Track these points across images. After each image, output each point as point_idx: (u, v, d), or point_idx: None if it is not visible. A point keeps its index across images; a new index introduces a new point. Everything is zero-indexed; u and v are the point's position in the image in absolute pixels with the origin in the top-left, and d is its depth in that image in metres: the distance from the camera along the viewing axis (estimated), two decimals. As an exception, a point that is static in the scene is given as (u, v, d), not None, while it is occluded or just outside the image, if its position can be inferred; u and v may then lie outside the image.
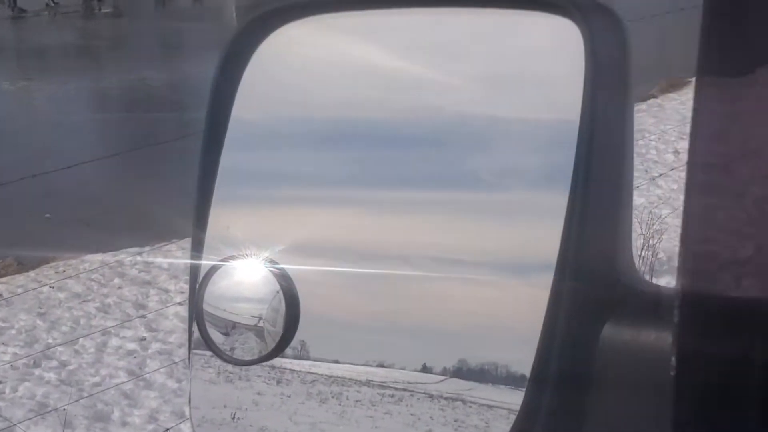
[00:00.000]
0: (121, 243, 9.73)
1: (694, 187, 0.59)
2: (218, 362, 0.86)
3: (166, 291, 8.68)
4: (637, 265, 0.78)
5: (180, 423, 6.26)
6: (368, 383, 0.78)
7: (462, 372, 0.73)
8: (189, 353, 0.87)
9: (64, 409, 6.23)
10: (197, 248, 0.85)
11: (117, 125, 15.88)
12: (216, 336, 0.82)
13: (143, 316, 8.08)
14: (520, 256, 0.72)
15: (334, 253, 0.81)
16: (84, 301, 8.51)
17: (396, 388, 0.77)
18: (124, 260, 9.48)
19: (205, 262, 0.84)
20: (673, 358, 0.59)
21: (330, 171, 0.82)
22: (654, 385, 0.64)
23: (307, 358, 0.81)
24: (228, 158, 0.85)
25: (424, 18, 0.82)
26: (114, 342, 7.64)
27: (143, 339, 7.64)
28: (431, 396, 0.75)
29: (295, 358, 0.82)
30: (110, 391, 6.72)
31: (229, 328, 0.81)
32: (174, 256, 9.44)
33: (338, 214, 0.81)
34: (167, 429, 6.18)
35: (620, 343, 0.68)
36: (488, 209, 0.74)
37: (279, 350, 0.80)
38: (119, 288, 8.90)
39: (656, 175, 9.86)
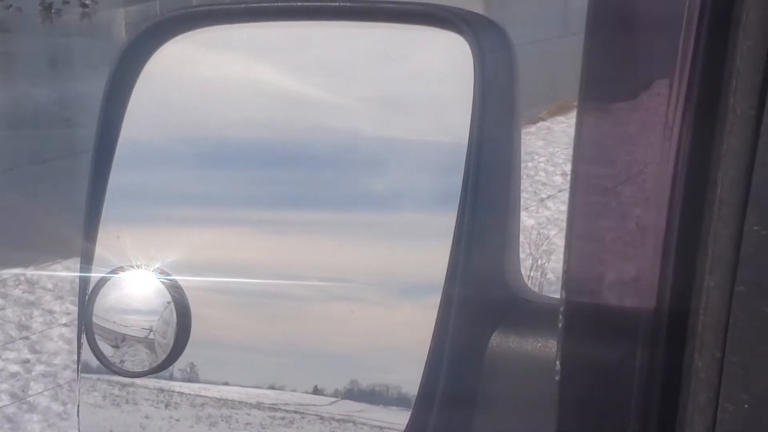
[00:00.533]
0: (3, 262, 9.47)
1: (578, 209, 0.61)
2: (105, 386, 0.84)
3: (51, 312, 8.47)
4: (525, 279, 0.80)
5: (65, 447, 6.11)
6: (259, 406, 0.77)
7: (353, 393, 0.73)
8: (78, 372, 0.86)
9: (-57, 434, 6.01)
10: (86, 260, 0.84)
11: (2, 142, 15.46)
12: (106, 349, 0.81)
13: (27, 338, 7.87)
14: (410, 277, 0.72)
15: (223, 271, 0.80)
16: (-35, 323, 8.25)
17: (287, 411, 0.76)
18: (7, 280, 9.22)
19: (95, 275, 0.82)
20: (558, 363, 0.60)
21: (220, 190, 0.82)
22: (540, 391, 0.65)
23: (197, 381, 0.80)
24: (117, 175, 0.84)
25: (314, 32, 0.82)
26: (-4, 364, 7.42)
27: (27, 361, 7.44)
28: (322, 418, 0.74)
29: (184, 380, 0.80)
30: (-9, 415, 6.52)
31: (119, 340, 0.80)
32: (58, 277, 9.22)
33: (229, 233, 0.81)
34: (51, 453, 6.02)
35: (508, 351, 0.69)
36: (379, 230, 0.74)
37: (169, 362, 0.79)
38: (2, 309, 8.66)
39: (545, 196, 10.05)
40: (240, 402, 0.78)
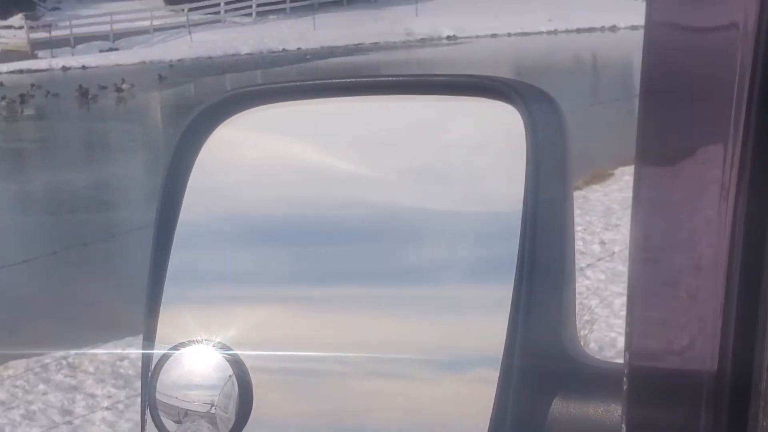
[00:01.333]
0: (45, 347, 9.52)
1: (636, 274, 0.61)
2: None
3: (93, 396, 8.49)
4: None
5: None
6: None
7: None
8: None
9: None
10: (149, 337, 0.85)
11: (42, 227, 15.66)
12: (169, 425, 0.82)
13: (69, 423, 7.88)
14: (454, 350, 0.72)
15: (274, 348, 0.81)
16: (8, 409, 8.27)
17: None
18: (48, 365, 9.27)
19: (157, 351, 0.84)
20: (624, 427, 0.61)
21: (268, 269, 0.83)
22: None
23: None
24: (177, 255, 0.86)
25: (364, 106, 0.83)
26: (40, 450, 7.42)
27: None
28: None
29: None
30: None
31: (182, 415, 0.81)
32: (100, 360, 9.25)
33: (276, 311, 0.82)
34: None
35: (569, 417, 0.69)
36: (429, 304, 0.74)
37: None
38: (44, 394, 8.69)
39: (584, 265, 9.99)
40: None
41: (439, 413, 0.71)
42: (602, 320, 7.72)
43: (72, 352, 9.46)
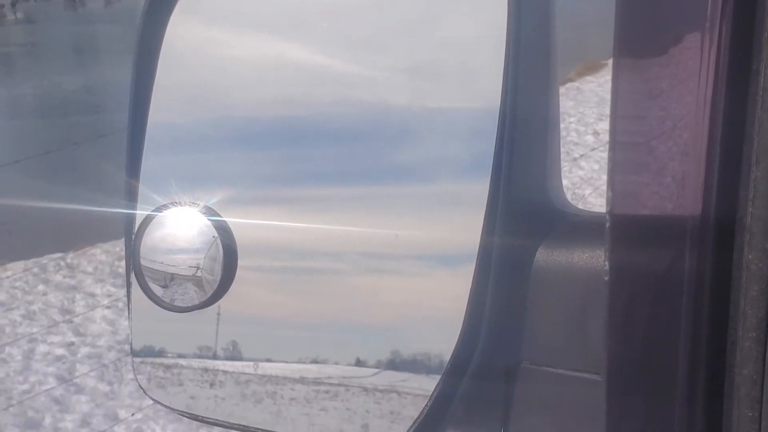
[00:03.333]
0: (43, 249, 9.57)
1: (617, 166, 0.61)
2: (149, 368, 0.86)
3: (92, 295, 8.56)
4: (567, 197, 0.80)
5: (114, 425, 6.19)
6: (302, 380, 0.78)
7: (395, 364, 0.73)
8: (129, 314, 0.87)
9: (-6, 418, 6.11)
10: (131, 198, 0.84)
11: (33, 130, 15.60)
12: (156, 289, 0.82)
13: (70, 321, 7.96)
14: (447, 245, 0.72)
15: (260, 249, 0.81)
16: (8, 310, 8.35)
17: (331, 384, 0.77)
18: (47, 266, 9.33)
19: (139, 212, 0.83)
20: (606, 264, 0.61)
21: (255, 170, 0.82)
22: (588, 302, 0.66)
23: (240, 359, 0.81)
24: (156, 120, 0.84)
25: (347, 3, 0.81)
26: (41, 348, 7.51)
27: (71, 344, 7.53)
28: (366, 389, 0.75)
29: (228, 359, 0.81)
30: (40, 398, 6.61)
31: (168, 280, 0.81)
32: (99, 260, 9.31)
33: (265, 213, 0.81)
34: (100, 432, 6.10)
35: (555, 265, 0.69)
36: (415, 201, 0.74)
37: (216, 297, 0.80)
38: (44, 294, 8.76)
39: (577, 156, 10.00)
40: (284, 378, 0.79)
41: (434, 308, 0.71)
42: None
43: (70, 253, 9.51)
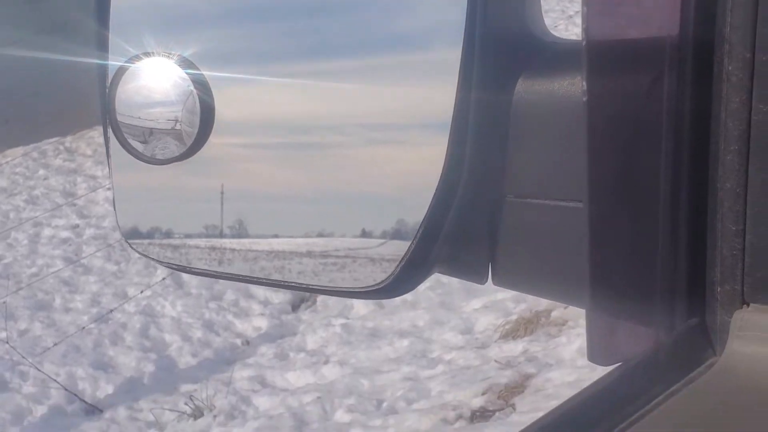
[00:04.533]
0: (41, 134, 9.54)
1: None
2: (157, 249, 0.85)
3: (94, 177, 8.58)
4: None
5: (124, 303, 6.28)
6: (310, 254, 0.78)
7: (401, 233, 0.72)
8: (110, 171, 0.86)
9: (4, 302, 6.20)
10: (102, 48, 0.82)
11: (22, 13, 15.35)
12: (136, 145, 0.81)
13: (73, 204, 8.00)
14: (448, 112, 0.70)
15: (266, 130, 0.79)
16: (11, 195, 8.38)
17: (338, 256, 0.76)
18: (47, 151, 9.32)
19: (112, 63, 0.81)
20: (584, 84, 0.60)
21: (243, 47, 0.80)
22: (568, 130, 0.65)
23: (247, 236, 0.80)
24: None
25: None
26: (47, 232, 7.57)
27: (76, 226, 7.59)
28: (373, 260, 0.75)
29: (235, 237, 0.81)
30: (49, 280, 6.69)
31: (147, 135, 0.80)
32: (98, 143, 9.29)
33: (257, 90, 0.79)
34: (110, 310, 6.20)
35: (535, 95, 0.68)
36: (424, 69, 0.72)
37: (196, 148, 0.78)
38: (45, 179, 8.78)
39: (572, 13, 9.87)
40: (291, 252, 0.78)
41: (435, 173, 0.70)
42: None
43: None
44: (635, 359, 0.58)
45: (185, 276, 6.61)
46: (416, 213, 0.70)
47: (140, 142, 0.80)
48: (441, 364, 4.75)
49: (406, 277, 0.71)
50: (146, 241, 0.85)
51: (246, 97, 0.78)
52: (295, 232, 0.79)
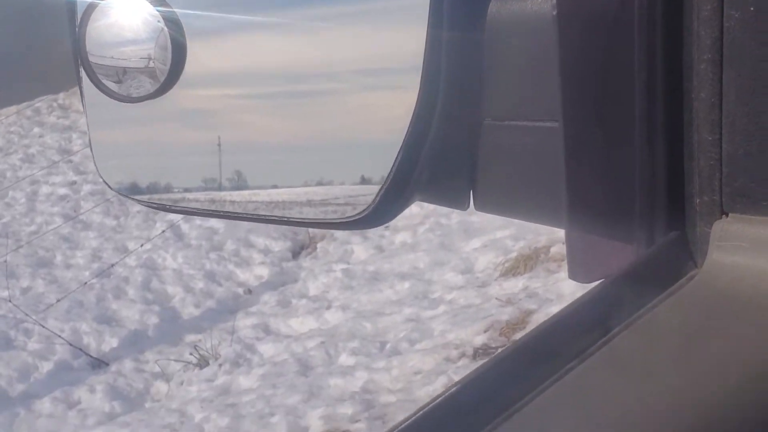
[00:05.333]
0: (34, 93, 9.49)
1: None
2: (156, 203, 0.84)
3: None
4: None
5: (124, 257, 6.29)
6: (310, 203, 0.77)
7: None
8: (85, 112, 0.85)
9: (5, 261, 6.21)
10: None
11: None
12: (110, 85, 0.80)
13: (69, 161, 7.98)
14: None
15: (260, 80, 0.78)
16: (7, 155, 8.36)
17: (338, 204, 0.76)
18: (40, 108, 9.28)
19: (80, 0, 0.80)
20: (555, 15, 0.59)
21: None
22: (541, 48, 0.64)
23: (246, 188, 0.79)
24: None
25: None
26: (44, 189, 7.56)
27: (73, 182, 7.58)
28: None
29: (234, 189, 0.80)
30: (49, 237, 6.70)
31: (121, 74, 0.79)
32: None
33: (245, 41, 0.78)
34: (111, 265, 6.21)
35: (507, 15, 0.67)
36: (410, 12, 0.70)
37: (171, 83, 0.77)
38: (41, 136, 8.75)
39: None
40: (291, 202, 0.77)
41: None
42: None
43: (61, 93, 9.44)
44: (616, 274, 0.58)
45: (185, 228, 6.62)
46: None
47: (114, 82, 0.80)
48: (442, 305, 4.77)
49: (386, 206, 0.71)
50: (146, 197, 0.85)
51: (239, 46, 0.77)
52: (294, 182, 0.79)
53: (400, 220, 6.37)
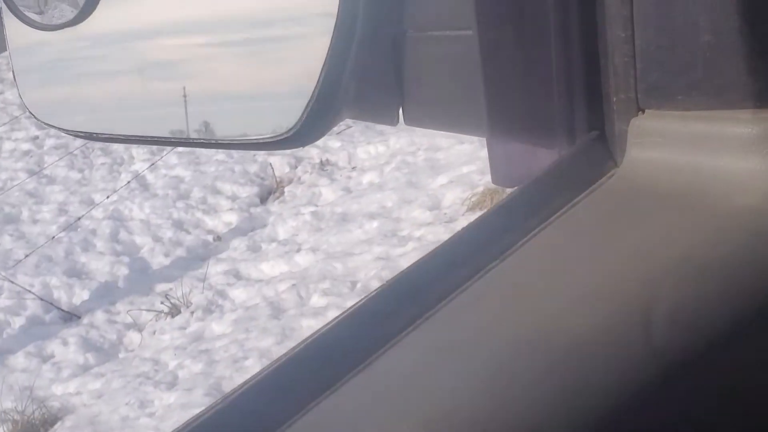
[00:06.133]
0: (-9, 47, 9.37)
1: None
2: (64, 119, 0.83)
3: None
4: None
5: (91, 209, 6.26)
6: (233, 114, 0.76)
7: None
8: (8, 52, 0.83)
9: (-29, 219, 6.16)
10: None
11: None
12: (32, 17, 0.79)
13: (31, 116, 7.89)
14: None
15: (225, 27, 0.76)
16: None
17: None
18: (0, 65, 9.14)
19: None
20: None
21: None
22: None
23: (215, 137, 0.78)
24: None
25: None
26: (7, 146, 7.49)
27: (36, 137, 7.50)
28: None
29: (205, 139, 0.78)
30: (14, 193, 6.64)
31: (42, 4, 0.78)
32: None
33: None
34: (78, 218, 6.17)
35: None
36: None
37: (89, 10, 0.76)
38: (1, 93, 8.64)
39: None
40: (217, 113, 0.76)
41: None
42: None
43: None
44: (537, 176, 0.58)
45: (150, 178, 6.58)
46: None
47: (36, 13, 0.78)
48: (411, 242, 4.78)
49: (314, 122, 0.70)
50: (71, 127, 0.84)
51: None
52: (264, 131, 0.77)
53: (367, 161, 6.37)
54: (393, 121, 0.74)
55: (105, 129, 0.82)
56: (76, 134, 0.84)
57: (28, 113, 0.86)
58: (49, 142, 7.33)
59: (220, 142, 0.77)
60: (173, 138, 0.79)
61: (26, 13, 0.79)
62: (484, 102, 0.61)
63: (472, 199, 4.85)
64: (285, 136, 0.72)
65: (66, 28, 0.77)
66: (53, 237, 5.94)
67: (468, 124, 0.68)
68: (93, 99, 0.84)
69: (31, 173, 6.88)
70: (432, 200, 5.13)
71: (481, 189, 4.87)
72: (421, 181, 5.46)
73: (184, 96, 0.78)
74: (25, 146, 7.41)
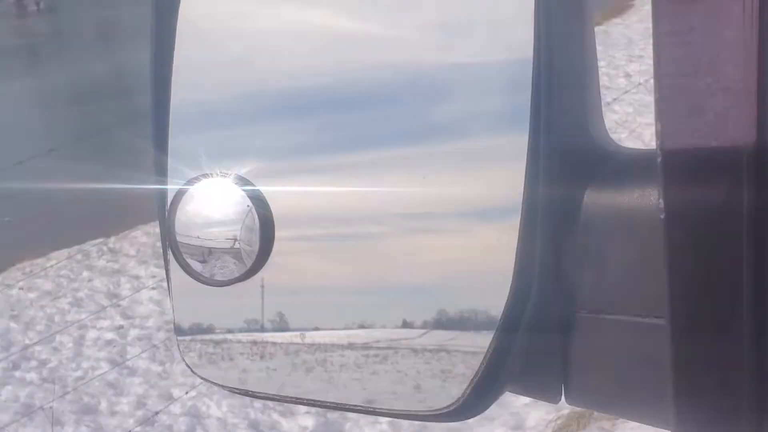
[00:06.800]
0: (85, 235, 9.65)
1: (662, 101, 0.59)
2: (199, 345, 0.84)
3: (137, 277, 8.63)
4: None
5: (169, 405, 6.25)
6: (351, 346, 0.77)
7: (442, 323, 0.72)
8: (171, 302, 0.85)
9: (51, 407, 6.19)
10: (160, 173, 0.82)
11: (66, 118, 15.72)
12: (194, 264, 0.80)
13: (117, 305, 8.03)
14: (487, 200, 0.70)
15: (303, 219, 0.79)
16: (55, 298, 8.44)
17: (379, 348, 0.76)
18: (90, 252, 9.41)
19: (171, 187, 0.81)
20: (662, 208, 0.58)
21: (286, 139, 0.80)
22: (642, 239, 0.63)
23: (288, 329, 0.80)
24: (179, 86, 0.82)
25: None
26: (92, 334, 7.60)
27: (120, 327, 7.61)
28: (415, 351, 0.73)
29: (276, 330, 0.80)
30: (94, 383, 6.68)
31: (206, 254, 0.79)
32: (140, 243, 9.37)
33: (299, 180, 0.79)
34: (156, 412, 6.17)
35: (603, 207, 0.66)
36: (452, 158, 0.72)
37: (256, 268, 0.77)
38: (89, 281, 8.84)
39: (610, 100, 9.89)
40: (332, 345, 0.77)
41: (477, 263, 0.69)
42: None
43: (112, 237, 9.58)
44: None
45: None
46: (457, 303, 0.69)
47: (199, 261, 0.80)
48: (492, 461, 4.66)
49: (476, 400, 0.69)
50: (188, 338, 0.85)
51: (290, 192, 0.78)
52: (336, 324, 0.78)
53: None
54: (555, 399, 0.72)
55: (267, 388, 0.82)
56: (234, 390, 0.84)
57: (186, 365, 0.87)
58: (133, 333, 7.42)
59: (377, 410, 0.76)
60: (330, 402, 0.79)
61: (188, 260, 0.81)
62: (671, 396, 0.59)
63: (558, 422, 4.73)
64: (444, 410, 0.71)
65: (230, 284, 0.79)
66: (130, 431, 5.92)
67: (644, 412, 0.66)
68: (256, 358, 0.85)
69: (113, 364, 6.94)
70: (514, 419, 5.02)
71: (566, 412, 4.77)
72: (503, 398, 5.36)
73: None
74: (109, 335, 7.51)
